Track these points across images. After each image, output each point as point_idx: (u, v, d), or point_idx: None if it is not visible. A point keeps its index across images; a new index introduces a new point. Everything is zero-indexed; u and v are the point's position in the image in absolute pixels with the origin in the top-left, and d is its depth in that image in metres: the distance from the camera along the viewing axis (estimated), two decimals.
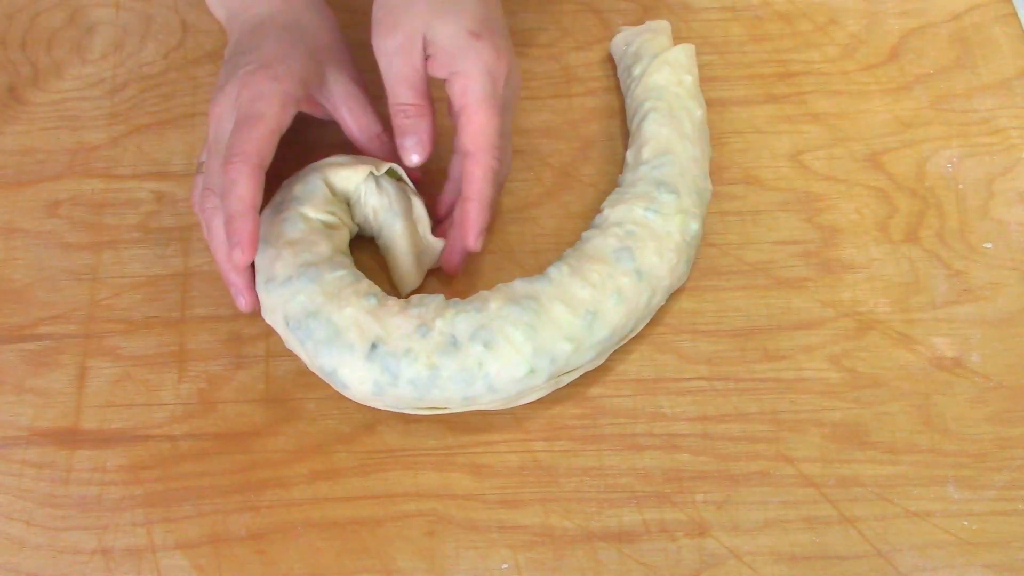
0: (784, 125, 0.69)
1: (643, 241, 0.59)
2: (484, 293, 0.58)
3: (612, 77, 0.71)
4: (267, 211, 0.60)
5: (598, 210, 0.62)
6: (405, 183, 0.61)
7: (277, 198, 0.60)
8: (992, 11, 0.73)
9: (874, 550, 0.57)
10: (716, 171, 0.67)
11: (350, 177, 0.60)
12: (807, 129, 0.69)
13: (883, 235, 0.66)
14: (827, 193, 0.67)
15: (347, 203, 0.61)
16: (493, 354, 0.55)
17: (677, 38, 0.72)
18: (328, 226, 0.59)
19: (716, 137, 0.69)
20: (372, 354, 0.56)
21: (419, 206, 0.61)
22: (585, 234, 0.61)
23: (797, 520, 0.58)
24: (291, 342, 0.58)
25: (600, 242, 0.59)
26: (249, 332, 0.62)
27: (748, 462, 0.59)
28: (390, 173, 0.60)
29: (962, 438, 0.60)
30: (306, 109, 0.62)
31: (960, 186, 0.67)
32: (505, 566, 0.56)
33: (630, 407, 0.60)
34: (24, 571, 0.56)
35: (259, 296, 0.59)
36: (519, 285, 0.58)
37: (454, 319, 0.56)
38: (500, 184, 0.61)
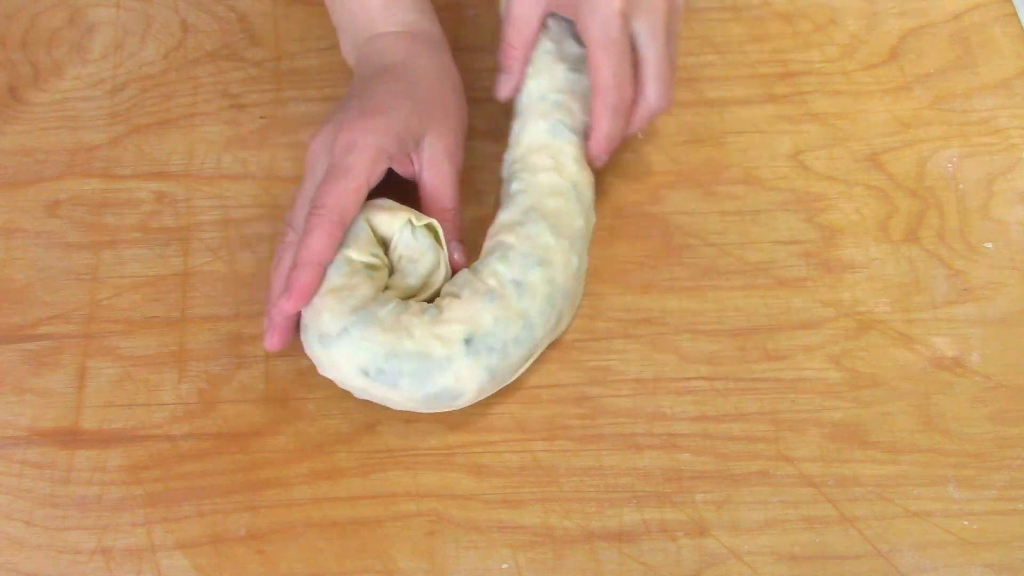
0: (784, 125, 0.69)
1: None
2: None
3: None
4: None
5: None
6: (440, 242, 0.60)
7: None
8: (992, 11, 0.73)
9: (874, 550, 0.57)
10: (716, 171, 0.67)
11: (390, 223, 0.59)
12: (807, 129, 0.69)
13: (883, 235, 0.66)
14: (827, 193, 0.67)
15: (385, 245, 0.60)
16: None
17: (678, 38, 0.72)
18: (370, 267, 0.59)
19: (716, 137, 0.69)
20: (470, 350, 0.56)
21: (443, 268, 0.61)
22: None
23: (797, 520, 0.58)
24: (372, 391, 0.57)
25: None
26: (249, 332, 0.62)
27: (748, 462, 0.59)
28: (428, 227, 0.60)
29: (962, 438, 0.60)
30: (397, 167, 0.60)
31: (960, 186, 0.67)
32: (505, 566, 0.56)
33: (630, 407, 0.60)
34: (24, 571, 0.56)
35: (315, 354, 0.57)
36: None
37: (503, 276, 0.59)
38: (648, 116, 0.62)
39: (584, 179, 0.62)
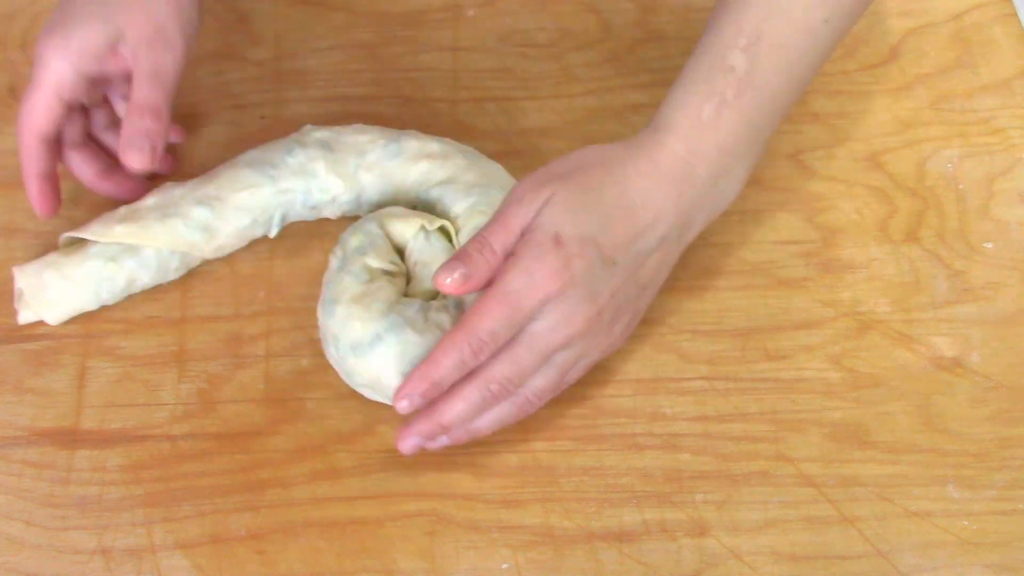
0: (784, 125, 0.69)
1: None
2: None
3: (612, 77, 0.71)
4: (332, 265, 0.60)
5: None
6: (453, 244, 0.60)
7: (338, 252, 0.60)
8: (992, 11, 0.73)
9: (874, 550, 0.57)
10: None
11: (404, 230, 0.60)
12: (807, 129, 0.69)
13: (883, 235, 0.65)
14: (827, 193, 0.67)
15: (401, 252, 0.61)
16: None
17: (678, 38, 0.72)
18: (388, 274, 0.59)
19: None
20: None
21: None
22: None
23: (797, 520, 0.58)
24: None
25: None
26: (249, 332, 0.62)
27: (748, 462, 0.59)
28: (441, 230, 0.60)
29: (962, 438, 0.60)
30: (102, 68, 0.60)
31: (960, 186, 0.67)
32: (505, 566, 0.56)
33: (630, 407, 0.60)
34: (24, 571, 0.56)
35: (348, 365, 0.57)
36: None
37: None
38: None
39: None
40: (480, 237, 0.54)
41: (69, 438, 0.60)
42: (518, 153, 0.68)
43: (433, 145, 0.62)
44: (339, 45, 0.72)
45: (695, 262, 0.64)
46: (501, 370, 0.54)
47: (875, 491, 0.58)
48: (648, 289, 0.57)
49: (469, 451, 0.59)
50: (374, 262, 0.58)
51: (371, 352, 0.56)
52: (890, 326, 0.63)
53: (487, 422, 0.56)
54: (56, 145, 0.61)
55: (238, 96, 0.70)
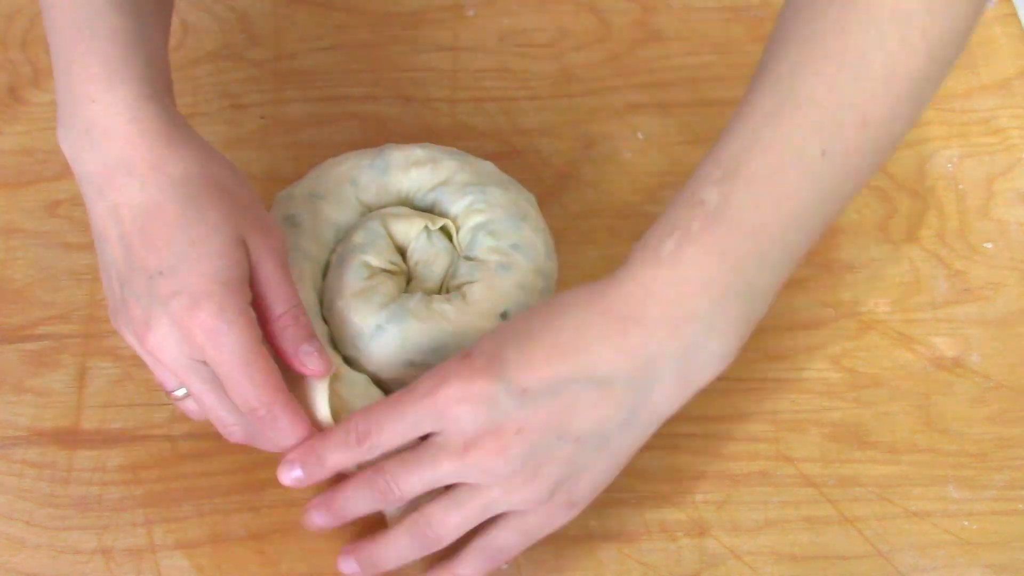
0: None
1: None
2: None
3: (612, 77, 0.71)
4: (332, 262, 0.59)
5: None
6: (454, 243, 0.60)
7: (339, 249, 0.60)
8: (992, 11, 0.73)
9: (874, 550, 0.57)
10: None
11: (407, 230, 0.60)
12: None
13: (883, 235, 0.65)
14: None
15: (403, 252, 0.61)
16: None
17: (678, 38, 0.72)
18: (388, 272, 0.59)
19: (716, 137, 0.68)
20: (503, 322, 0.57)
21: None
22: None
23: (797, 520, 0.58)
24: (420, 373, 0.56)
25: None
26: None
27: (748, 462, 0.59)
28: (443, 230, 0.60)
29: (962, 438, 0.60)
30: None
31: (960, 186, 0.67)
32: (505, 566, 0.56)
33: None
34: (24, 571, 0.56)
35: (349, 356, 0.57)
36: None
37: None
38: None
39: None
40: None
41: (69, 438, 0.60)
42: (518, 153, 0.68)
43: (416, 151, 0.62)
44: (339, 45, 0.72)
45: None
46: (391, 468, 0.50)
47: (875, 491, 0.58)
48: (591, 447, 0.49)
49: None
50: (374, 260, 0.58)
51: (372, 342, 0.56)
52: (890, 326, 0.63)
53: (389, 555, 0.52)
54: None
55: (238, 96, 0.70)
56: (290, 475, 0.52)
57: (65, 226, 0.66)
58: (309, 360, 0.52)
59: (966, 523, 0.57)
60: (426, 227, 0.60)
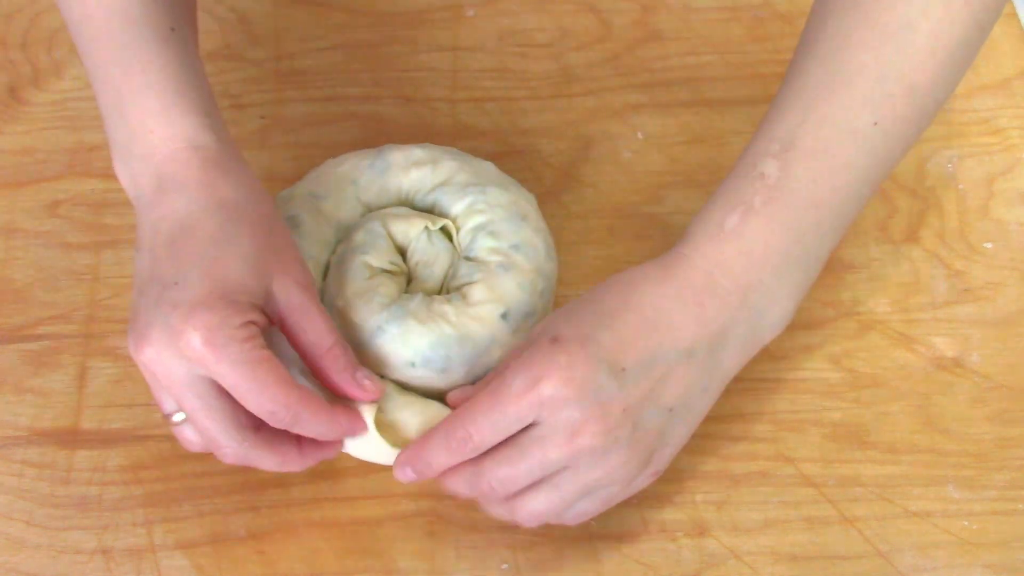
0: None
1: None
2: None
3: (612, 77, 0.71)
4: (332, 263, 0.59)
5: None
6: (454, 242, 0.61)
7: (339, 249, 0.60)
8: None
9: (874, 550, 0.57)
10: (716, 171, 0.67)
11: (407, 231, 0.60)
12: None
13: (883, 235, 0.65)
14: None
15: (403, 252, 0.61)
16: None
17: (678, 38, 0.72)
18: (388, 272, 0.59)
19: (716, 137, 0.69)
20: (508, 323, 0.57)
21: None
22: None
23: (797, 520, 0.58)
24: (415, 382, 0.57)
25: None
26: None
27: (748, 462, 0.59)
28: (443, 230, 0.60)
29: (962, 438, 0.60)
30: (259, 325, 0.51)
31: (960, 186, 0.67)
32: (505, 566, 0.56)
33: None
34: (24, 571, 0.56)
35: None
36: None
37: None
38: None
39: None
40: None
41: (69, 438, 0.60)
42: (518, 153, 0.68)
43: (416, 152, 0.62)
44: (339, 45, 0.72)
45: None
46: (493, 469, 0.50)
47: (875, 491, 0.58)
48: (678, 416, 0.52)
49: None
50: (374, 261, 0.58)
51: (373, 343, 0.56)
52: (890, 326, 0.63)
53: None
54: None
55: (238, 96, 0.70)
56: (403, 474, 0.52)
57: (65, 226, 0.66)
58: (368, 383, 0.53)
59: (966, 523, 0.57)
60: (426, 227, 0.60)
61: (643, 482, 0.53)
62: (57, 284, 0.64)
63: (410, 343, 0.56)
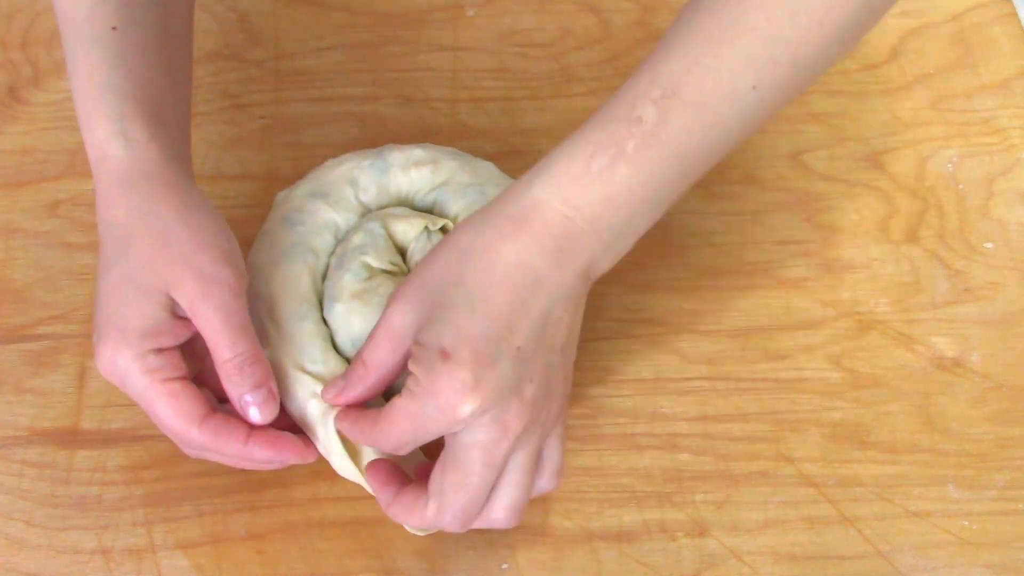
0: (784, 125, 0.69)
1: None
2: None
3: (612, 77, 0.71)
4: (332, 264, 0.60)
5: None
6: None
7: (339, 250, 0.59)
8: (992, 11, 0.73)
9: (874, 550, 0.57)
10: (717, 171, 0.67)
11: (407, 231, 0.60)
12: (807, 129, 0.69)
13: (883, 235, 0.66)
14: (827, 193, 0.67)
15: (403, 253, 0.61)
16: None
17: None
18: (389, 273, 0.59)
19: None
20: None
21: None
22: None
23: (797, 520, 0.58)
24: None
25: None
26: None
27: (748, 462, 0.59)
28: (443, 231, 0.60)
29: (962, 438, 0.60)
30: (176, 339, 0.53)
31: (960, 186, 0.67)
32: (505, 566, 0.56)
33: (630, 407, 0.60)
34: (24, 571, 0.56)
35: (350, 358, 0.57)
36: None
37: None
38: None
39: None
40: (356, 354, 0.53)
41: (69, 438, 0.60)
42: (518, 153, 0.68)
43: (416, 152, 0.62)
44: (339, 45, 0.72)
45: (695, 262, 0.64)
46: (454, 500, 0.50)
47: (875, 491, 0.58)
48: (568, 347, 0.53)
49: None
50: (374, 261, 0.58)
51: None
52: (890, 326, 0.63)
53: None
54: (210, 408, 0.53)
55: (238, 96, 0.70)
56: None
57: (65, 226, 0.66)
58: (249, 410, 0.53)
59: (966, 523, 0.57)
60: (426, 228, 0.60)
61: (566, 408, 0.54)
62: (57, 284, 0.64)
63: None
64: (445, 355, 0.49)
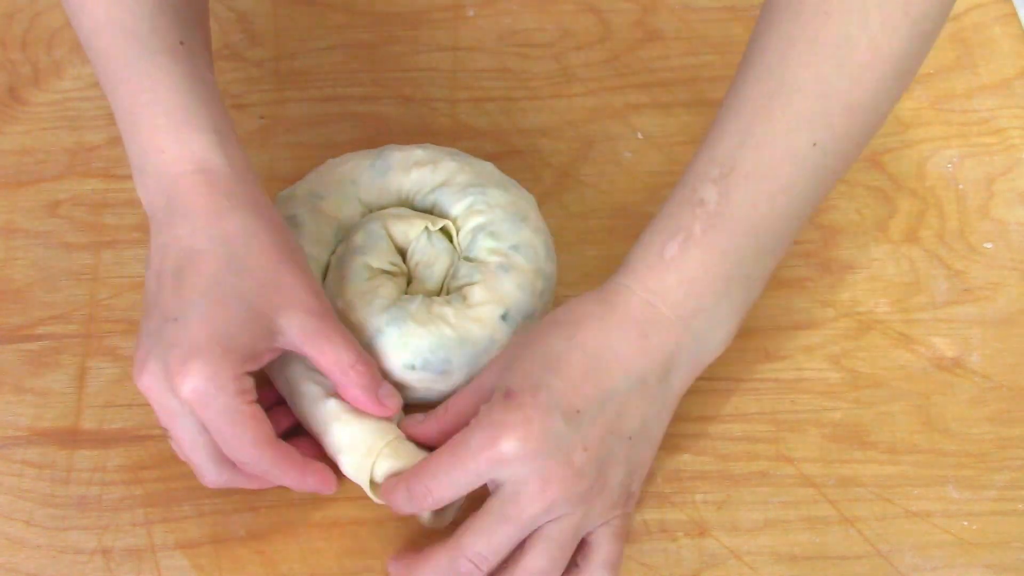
0: None
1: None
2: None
3: (612, 77, 0.71)
4: (332, 264, 0.60)
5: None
6: (454, 243, 0.61)
7: (339, 250, 0.60)
8: (992, 11, 0.73)
9: (874, 550, 0.57)
10: None
11: (407, 231, 0.60)
12: None
13: (883, 235, 0.66)
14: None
15: (403, 253, 0.61)
16: None
17: (678, 38, 0.72)
18: (389, 273, 0.59)
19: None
20: (508, 324, 0.57)
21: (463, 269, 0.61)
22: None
23: (797, 520, 0.58)
24: (417, 384, 0.57)
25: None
26: None
27: (748, 462, 0.59)
28: (443, 231, 0.60)
29: (962, 438, 0.60)
30: (262, 364, 0.52)
31: (960, 186, 0.67)
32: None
33: None
34: (24, 571, 0.56)
35: None
36: None
37: None
38: None
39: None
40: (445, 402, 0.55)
41: (69, 438, 0.60)
42: (518, 153, 0.68)
43: (417, 152, 0.62)
44: (339, 45, 0.72)
45: None
46: (472, 543, 0.50)
47: (875, 491, 0.58)
48: (639, 442, 0.52)
49: None
50: (374, 261, 0.58)
51: (373, 345, 0.56)
52: (890, 326, 0.63)
53: None
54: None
55: (238, 96, 0.70)
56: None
57: (65, 226, 0.66)
58: (389, 400, 0.54)
59: (966, 523, 0.57)
60: (426, 228, 0.60)
61: (630, 507, 0.53)
62: (57, 284, 0.64)
63: (410, 345, 0.56)
64: (509, 394, 0.50)
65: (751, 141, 0.50)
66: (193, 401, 0.49)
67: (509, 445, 0.48)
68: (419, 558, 0.52)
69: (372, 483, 0.54)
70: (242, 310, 0.50)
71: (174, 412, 0.50)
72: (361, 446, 0.54)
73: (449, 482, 0.50)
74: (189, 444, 0.52)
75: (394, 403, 0.54)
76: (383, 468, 0.54)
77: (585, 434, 0.50)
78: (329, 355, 0.52)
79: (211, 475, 0.53)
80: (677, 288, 0.51)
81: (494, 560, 0.50)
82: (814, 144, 0.49)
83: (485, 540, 0.50)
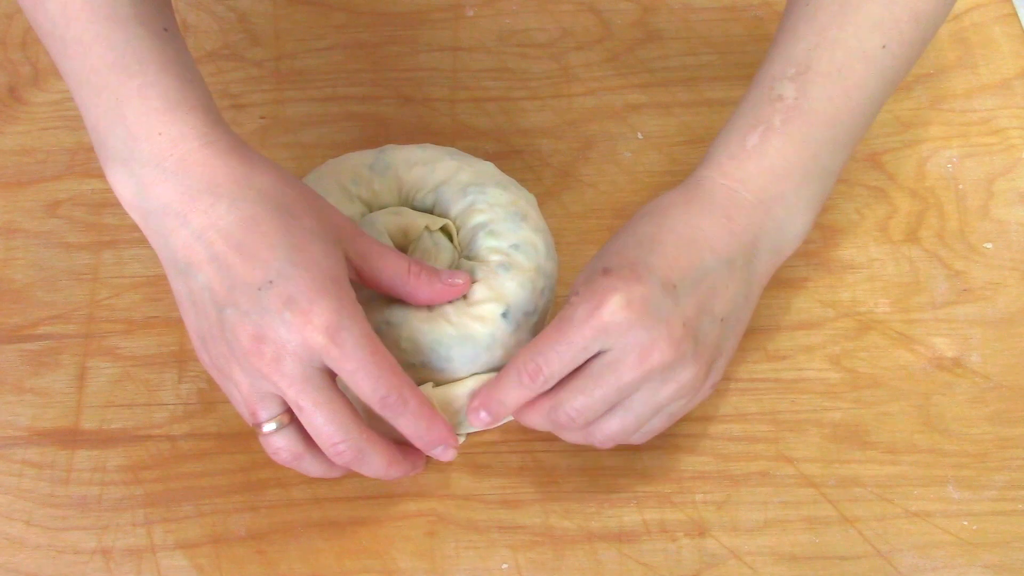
0: None
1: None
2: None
3: (612, 77, 0.71)
4: None
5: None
6: (454, 242, 0.61)
7: None
8: (992, 11, 0.73)
9: (874, 550, 0.57)
10: None
11: (407, 231, 0.60)
12: None
13: (883, 235, 0.66)
14: None
15: (404, 252, 0.61)
16: None
17: (678, 38, 0.72)
18: None
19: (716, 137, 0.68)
20: (509, 321, 0.57)
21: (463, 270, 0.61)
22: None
23: (797, 520, 0.58)
24: (425, 378, 0.58)
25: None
26: None
27: (748, 462, 0.59)
28: (444, 230, 0.60)
29: (962, 438, 0.60)
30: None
31: (960, 186, 0.67)
32: (505, 566, 0.56)
33: None
34: (24, 571, 0.56)
35: None
36: None
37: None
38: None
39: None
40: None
41: (69, 438, 0.60)
42: (518, 153, 0.68)
43: (417, 152, 0.62)
44: (339, 45, 0.72)
45: None
46: (570, 400, 0.51)
47: (875, 491, 0.58)
48: (729, 325, 0.54)
49: (469, 451, 0.59)
50: None
51: None
52: (890, 326, 0.63)
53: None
54: None
55: (238, 96, 0.70)
56: (478, 418, 0.53)
57: (65, 226, 0.66)
58: (459, 280, 0.56)
59: (966, 523, 0.57)
60: (426, 228, 0.60)
61: (704, 394, 0.54)
62: (57, 284, 0.64)
63: (411, 342, 0.56)
64: (606, 271, 0.51)
65: (825, 43, 0.54)
66: (330, 342, 0.49)
67: (610, 312, 0.50)
68: (517, 404, 0.53)
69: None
70: (320, 244, 0.51)
71: (301, 376, 0.49)
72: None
73: (557, 356, 0.51)
74: (326, 405, 0.50)
75: (463, 280, 0.56)
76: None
77: (683, 308, 0.51)
78: (390, 267, 0.54)
79: (350, 438, 0.50)
80: (758, 175, 0.54)
81: (587, 417, 0.52)
82: (883, 47, 0.54)
83: (582, 399, 0.51)
